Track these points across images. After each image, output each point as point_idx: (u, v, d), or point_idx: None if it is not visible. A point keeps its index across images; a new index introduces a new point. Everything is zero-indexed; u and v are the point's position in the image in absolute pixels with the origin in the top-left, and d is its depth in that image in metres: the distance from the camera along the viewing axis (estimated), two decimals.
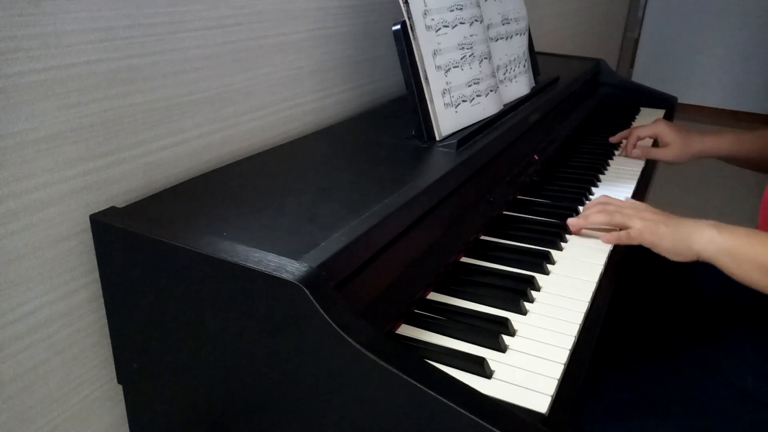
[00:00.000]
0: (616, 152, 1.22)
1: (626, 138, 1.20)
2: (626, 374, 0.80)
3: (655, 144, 1.19)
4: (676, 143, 1.12)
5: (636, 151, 1.16)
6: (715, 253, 0.72)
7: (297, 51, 0.86)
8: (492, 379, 0.55)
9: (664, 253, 0.76)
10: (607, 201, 0.84)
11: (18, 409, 0.59)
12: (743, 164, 1.11)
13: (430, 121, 0.81)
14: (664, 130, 1.14)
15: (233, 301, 0.51)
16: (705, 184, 3.04)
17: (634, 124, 1.43)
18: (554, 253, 0.78)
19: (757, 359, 0.79)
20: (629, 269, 1.04)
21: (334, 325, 0.46)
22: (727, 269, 0.72)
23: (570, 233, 0.83)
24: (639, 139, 1.18)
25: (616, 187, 1.03)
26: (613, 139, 1.23)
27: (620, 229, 0.80)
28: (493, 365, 0.56)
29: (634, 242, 0.78)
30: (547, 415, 0.51)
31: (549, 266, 0.74)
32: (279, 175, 0.70)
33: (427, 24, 0.81)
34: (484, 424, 0.42)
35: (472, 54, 0.89)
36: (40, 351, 0.60)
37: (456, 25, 0.86)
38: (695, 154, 1.12)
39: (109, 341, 0.64)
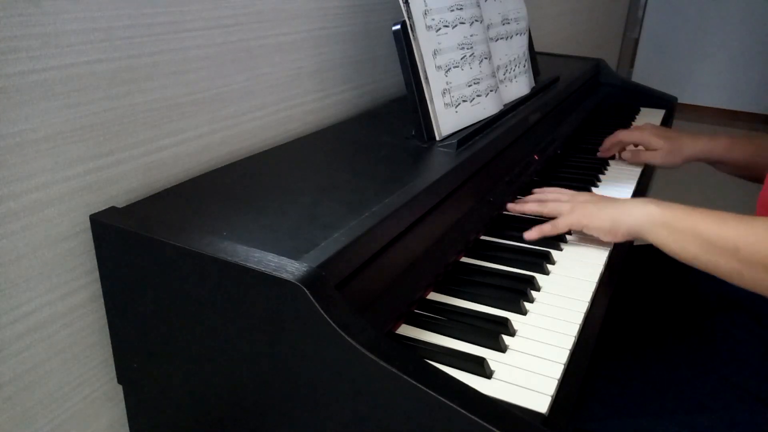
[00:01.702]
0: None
1: (613, 145, 1.15)
2: (626, 373, 0.80)
3: None
4: (664, 148, 1.08)
5: (626, 154, 1.14)
6: (653, 226, 0.71)
7: (297, 51, 0.86)
8: (492, 379, 0.55)
9: (595, 234, 0.77)
10: (543, 192, 0.86)
11: (18, 409, 0.59)
12: (735, 170, 1.06)
13: (430, 121, 0.81)
14: (649, 138, 1.10)
15: (233, 301, 0.51)
16: (705, 184, 3.04)
17: (634, 124, 1.42)
18: (554, 253, 0.78)
19: (755, 357, 0.79)
20: (629, 269, 1.04)
21: (334, 325, 0.46)
22: (664, 243, 0.70)
23: (570, 233, 0.83)
24: (624, 145, 1.14)
25: (615, 187, 1.03)
26: (601, 154, 1.16)
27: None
28: (493, 365, 0.56)
29: (562, 229, 0.78)
30: (547, 415, 0.51)
31: (549, 266, 0.74)
32: (279, 175, 0.70)
33: (428, 24, 0.81)
34: (484, 424, 0.42)
35: (473, 54, 0.89)
36: (40, 351, 0.60)
37: (456, 25, 0.86)
38: (688, 157, 1.08)
39: (109, 341, 0.64)
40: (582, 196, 0.81)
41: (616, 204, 0.76)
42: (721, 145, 1.05)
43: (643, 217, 0.72)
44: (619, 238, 0.75)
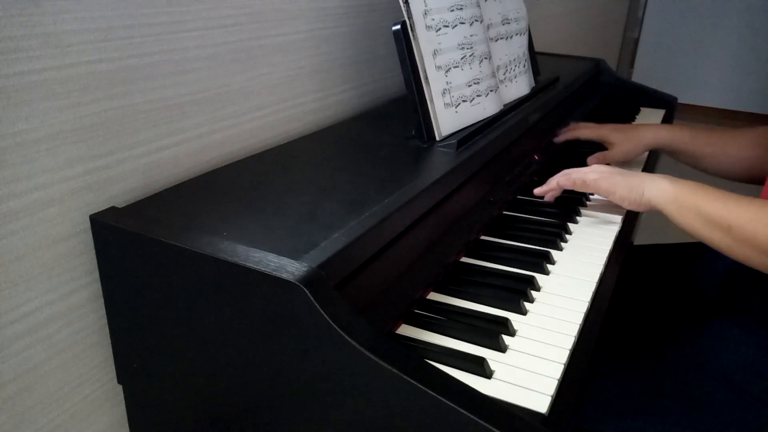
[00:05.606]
0: None
1: (568, 138, 1.13)
2: (625, 373, 0.80)
3: None
4: (623, 142, 1.08)
5: (592, 158, 1.09)
6: (664, 201, 0.77)
7: (297, 51, 0.86)
8: (492, 379, 0.55)
9: (619, 201, 0.82)
10: (567, 170, 0.89)
11: (18, 409, 0.59)
12: (696, 161, 1.06)
13: (430, 121, 0.81)
14: (605, 133, 1.10)
15: (233, 301, 0.51)
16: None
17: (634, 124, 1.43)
18: (554, 253, 0.78)
19: (755, 357, 0.79)
20: (629, 269, 1.03)
21: (334, 325, 0.46)
22: (672, 218, 0.76)
23: (570, 233, 0.84)
24: (577, 138, 1.13)
25: None
26: (557, 139, 1.14)
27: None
28: (493, 365, 0.56)
29: (590, 188, 0.85)
30: (547, 415, 0.51)
31: (549, 266, 0.74)
32: (279, 175, 0.70)
33: (427, 24, 0.81)
34: (484, 424, 0.42)
35: (473, 54, 0.89)
36: (40, 351, 0.60)
37: (456, 25, 0.86)
38: (648, 144, 1.08)
39: (109, 341, 0.64)
40: (603, 166, 0.86)
41: (636, 175, 0.81)
42: (683, 134, 1.06)
43: (659, 191, 0.78)
44: (641, 208, 0.81)
